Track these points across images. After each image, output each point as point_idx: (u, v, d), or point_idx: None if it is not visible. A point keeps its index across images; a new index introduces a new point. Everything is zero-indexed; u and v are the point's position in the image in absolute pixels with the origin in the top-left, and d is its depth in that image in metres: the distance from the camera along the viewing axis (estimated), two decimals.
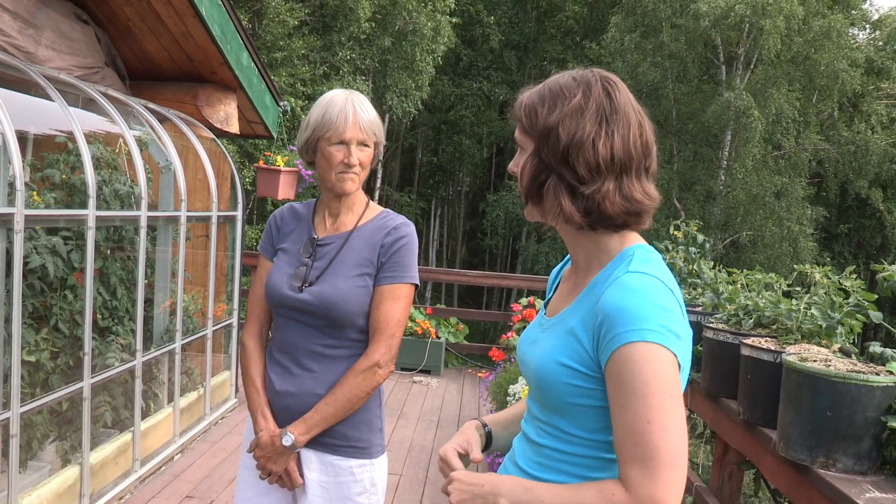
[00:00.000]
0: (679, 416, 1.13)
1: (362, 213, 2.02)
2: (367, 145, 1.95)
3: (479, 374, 7.57)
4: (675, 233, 5.54)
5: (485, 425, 1.56)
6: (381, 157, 2.03)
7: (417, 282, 1.96)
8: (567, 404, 1.24)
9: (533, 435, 1.35)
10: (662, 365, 1.12)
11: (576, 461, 1.27)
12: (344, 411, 1.88)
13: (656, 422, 1.11)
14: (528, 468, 1.34)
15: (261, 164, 5.98)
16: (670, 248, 4.90)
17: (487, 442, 1.55)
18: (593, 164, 1.20)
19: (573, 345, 1.23)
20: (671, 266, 4.54)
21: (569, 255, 1.45)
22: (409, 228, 1.98)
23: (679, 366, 1.15)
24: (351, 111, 1.90)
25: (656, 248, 4.68)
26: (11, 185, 3.01)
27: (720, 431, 2.82)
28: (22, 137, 3.11)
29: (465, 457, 1.46)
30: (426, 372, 7.40)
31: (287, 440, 1.87)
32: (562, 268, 1.51)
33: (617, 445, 1.16)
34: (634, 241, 1.29)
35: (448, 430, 5.57)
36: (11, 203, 3.02)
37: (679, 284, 4.07)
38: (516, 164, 1.31)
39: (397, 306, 1.91)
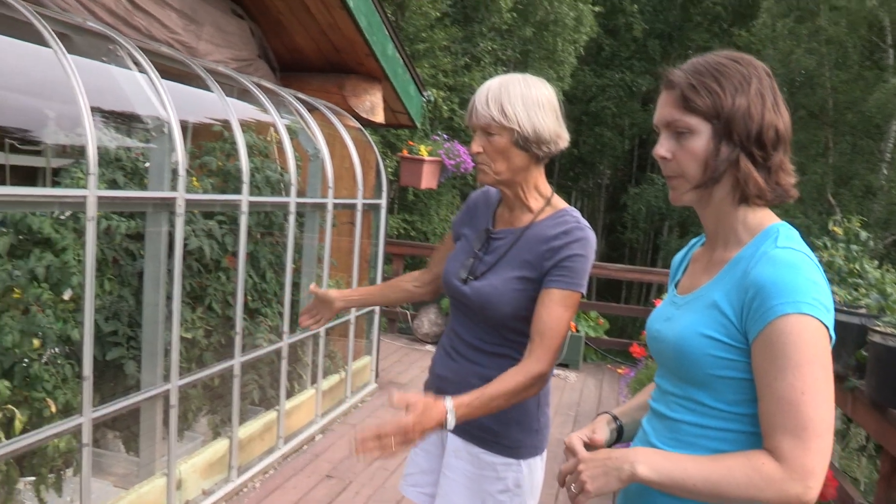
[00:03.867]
0: (830, 387, 1.15)
1: (541, 209, 1.88)
2: (491, 132, 1.79)
3: (619, 371, 7.39)
4: (835, 229, 5.17)
5: (615, 418, 1.55)
6: (538, 142, 1.79)
7: (584, 290, 1.80)
8: (709, 376, 1.26)
9: (666, 411, 1.36)
10: (816, 336, 1.15)
11: (714, 435, 1.27)
12: (507, 405, 1.73)
13: (810, 392, 1.13)
14: (663, 445, 1.33)
15: (404, 153, 6.06)
16: (828, 245, 4.59)
17: (619, 436, 1.54)
18: (775, 142, 1.27)
19: (717, 317, 1.25)
20: (829, 264, 4.24)
21: (694, 240, 1.53)
22: (584, 233, 1.79)
23: (830, 338, 1.17)
24: (473, 100, 1.81)
25: (814, 244, 4.39)
26: (174, 170, 3.18)
27: (888, 446, 2.60)
28: (183, 126, 3.28)
29: (591, 447, 1.41)
30: (564, 365, 7.29)
31: (450, 421, 1.62)
32: (688, 251, 1.53)
33: (766, 416, 1.17)
34: (773, 218, 1.32)
35: (585, 425, 5.46)
36: (174, 188, 3.19)
37: (837, 284, 3.79)
38: (668, 150, 1.30)
39: (566, 314, 1.77)
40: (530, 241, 1.83)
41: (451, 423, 1.62)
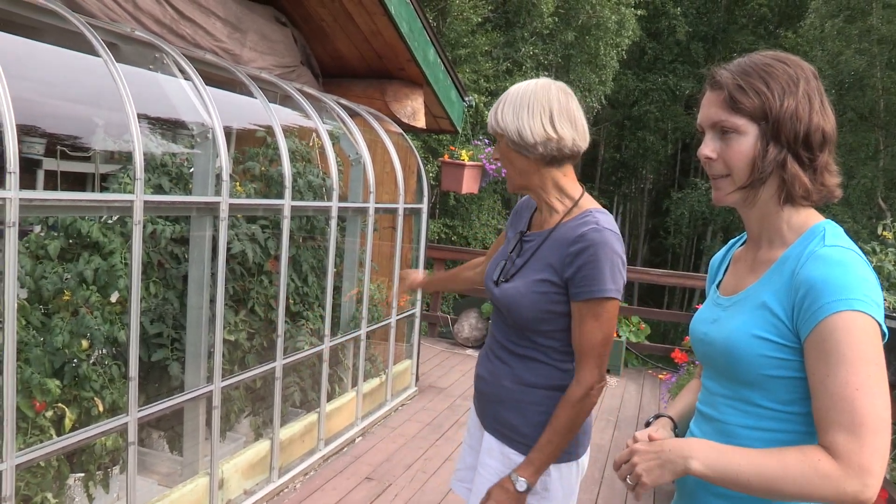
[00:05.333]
0: (885, 383, 1.14)
1: (567, 210, 1.86)
2: (496, 139, 1.87)
3: (660, 376, 7.31)
4: (885, 234, 5.06)
5: (674, 424, 1.55)
6: (525, 146, 1.78)
7: (614, 294, 1.74)
8: (762, 376, 1.26)
9: (715, 413, 1.36)
10: (868, 333, 1.15)
11: (767, 437, 1.27)
12: (567, 441, 1.83)
13: (864, 388, 1.12)
14: None
15: (446, 158, 6.08)
16: (878, 249, 4.50)
17: None
18: (821, 143, 1.28)
19: (767, 318, 1.25)
20: (879, 269, 4.16)
21: (732, 241, 1.54)
22: (597, 235, 1.73)
23: (883, 334, 1.17)
24: None
25: (863, 249, 4.30)
26: (218, 176, 3.24)
27: None
28: (227, 132, 3.34)
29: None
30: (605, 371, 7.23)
31: (521, 485, 1.81)
32: (727, 251, 1.54)
33: (820, 413, 1.17)
34: (817, 217, 1.32)
35: (626, 430, 5.41)
36: (218, 192, 3.25)
37: (887, 290, 3.71)
38: (712, 150, 1.31)
39: (599, 324, 1.76)
40: (554, 244, 1.82)
41: (524, 485, 1.80)
